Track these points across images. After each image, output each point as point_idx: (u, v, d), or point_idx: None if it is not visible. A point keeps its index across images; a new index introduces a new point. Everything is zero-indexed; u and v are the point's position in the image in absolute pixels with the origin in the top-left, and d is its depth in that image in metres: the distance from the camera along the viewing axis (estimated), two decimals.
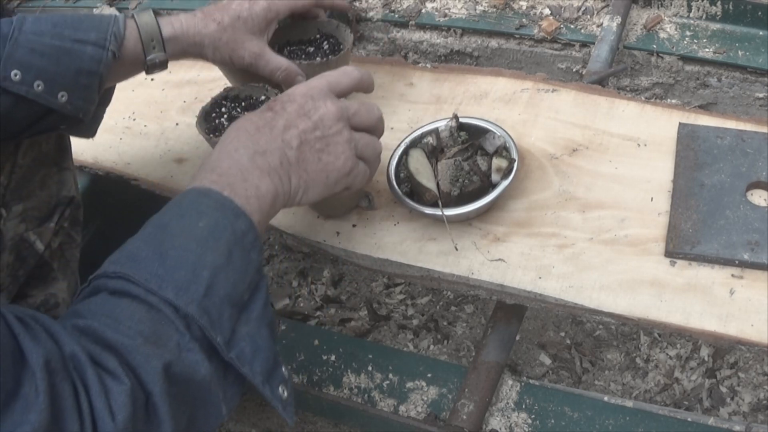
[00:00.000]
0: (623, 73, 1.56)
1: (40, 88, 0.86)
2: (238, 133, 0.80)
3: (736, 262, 0.89)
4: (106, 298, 0.65)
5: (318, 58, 1.11)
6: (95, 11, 2.05)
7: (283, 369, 0.71)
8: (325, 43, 1.14)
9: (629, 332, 1.39)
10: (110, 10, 1.90)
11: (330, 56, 1.11)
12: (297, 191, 0.81)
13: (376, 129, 0.91)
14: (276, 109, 0.83)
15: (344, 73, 0.90)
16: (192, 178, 0.77)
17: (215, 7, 1.01)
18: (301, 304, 1.54)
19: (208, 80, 1.30)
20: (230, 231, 0.70)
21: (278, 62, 1.04)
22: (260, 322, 0.69)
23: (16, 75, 0.85)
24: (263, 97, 1.07)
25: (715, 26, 1.50)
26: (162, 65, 0.99)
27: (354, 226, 1.03)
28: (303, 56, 1.12)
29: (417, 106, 1.17)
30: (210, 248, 0.68)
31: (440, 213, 0.95)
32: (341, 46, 1.12)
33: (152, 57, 0.96)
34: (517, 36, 1.61)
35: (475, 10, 1.65)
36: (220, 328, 0.65)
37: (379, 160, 0.91)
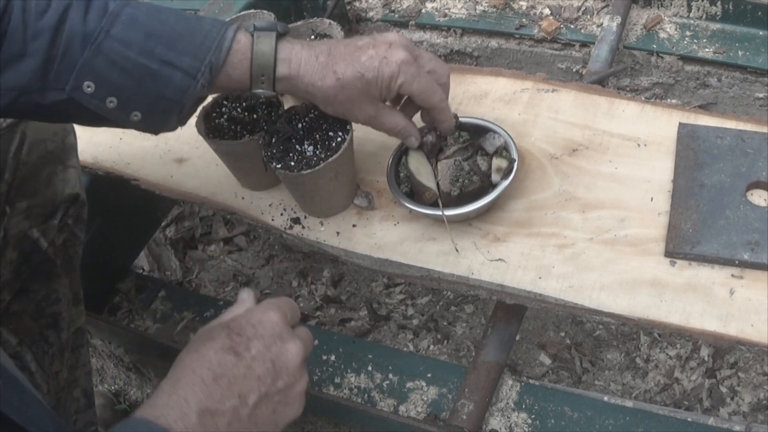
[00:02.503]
0: (623, 73, 1.56)
1: (112, 104, 0.79)
2: (193, 378, 0.69)
3: (736, 262, 0.89)
4: None
5: None
6: None
7: None
8: None
9: (629, 332, 1.39)
10: None
11: None
12: None
13: None
14: (239, 350, 0.71)
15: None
16: (146, 399, 0.69)
17: (342, 48, 0.86)
18: (301, 304, 1.54)
19: None
20: None
21: (393, 122, 0.92)
22: None
23: (89, 87, 0.77)
24: (263, 98, 1.06)
25: (715, 26, 1.50)
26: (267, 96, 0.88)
27: (354, 226, 1.03)
28: None
29: None
30: None
31: (440, 213, 0.95)
32: None
33: (258, 91, 0.85)
34: (517, 36, 1.61)
35: (475, 10, 1.65)
36: None
37: None
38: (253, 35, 0.83)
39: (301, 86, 0.86)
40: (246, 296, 0.78)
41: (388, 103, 0.92)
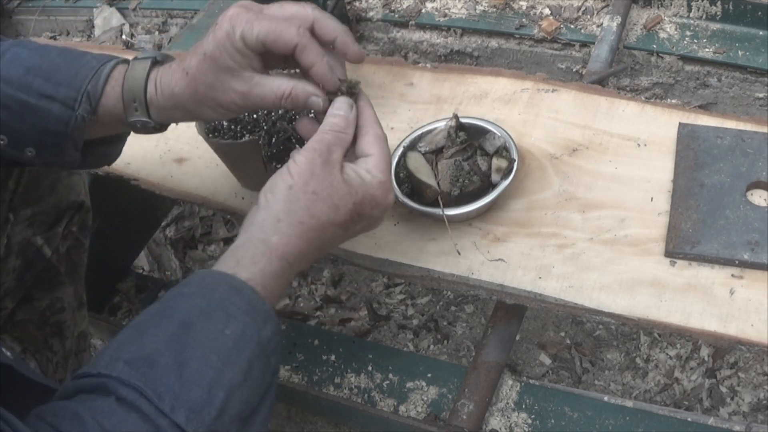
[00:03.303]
0: (623, 73, 1.56)
1: (2, 142, 0.78)
2: (306, 252, 0.74)
3: (736, 262, 0.89)
4: (115, 407, 0.61)
5: None
6: (95, 11, 2.05)
7: None
8: None
9: (629, 332, 1.39)
10: (110, 11, 1.90)
11: None
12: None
13: None
14: (350, 226, 0.77)
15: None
16: (258, 227, 0.73)
17: (191, 51, 0.79)
18: (301, 304, 1.54)
19: None
20: (255, 341, 0.66)
21: (275, 86, 0.78)
22: (264, 423, 0.67)
23: None
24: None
25: (715, 26, 1.50)
26: (156, 129, 0.83)
27: None
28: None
29: (417, 106, 1.17)
30: (231, 363, 0.64)
31: (440, 213, 0.95)
32: None
33: (135, 120, 0.81)
34: (517, 36, 1.61)
35: (475, 10, 1.65)
36: None
37: None
38: (130, 62, 0.80)
39: (166, 103, 0.79)
40: (348, 115, 0.80)
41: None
